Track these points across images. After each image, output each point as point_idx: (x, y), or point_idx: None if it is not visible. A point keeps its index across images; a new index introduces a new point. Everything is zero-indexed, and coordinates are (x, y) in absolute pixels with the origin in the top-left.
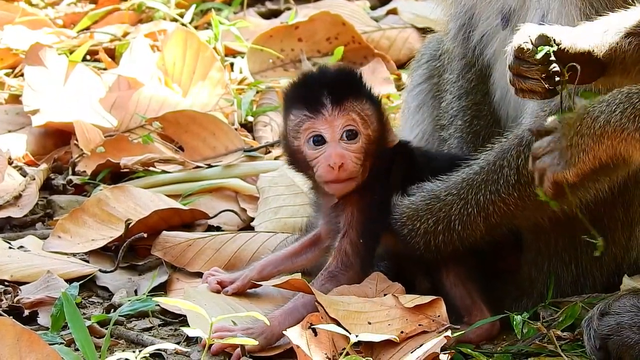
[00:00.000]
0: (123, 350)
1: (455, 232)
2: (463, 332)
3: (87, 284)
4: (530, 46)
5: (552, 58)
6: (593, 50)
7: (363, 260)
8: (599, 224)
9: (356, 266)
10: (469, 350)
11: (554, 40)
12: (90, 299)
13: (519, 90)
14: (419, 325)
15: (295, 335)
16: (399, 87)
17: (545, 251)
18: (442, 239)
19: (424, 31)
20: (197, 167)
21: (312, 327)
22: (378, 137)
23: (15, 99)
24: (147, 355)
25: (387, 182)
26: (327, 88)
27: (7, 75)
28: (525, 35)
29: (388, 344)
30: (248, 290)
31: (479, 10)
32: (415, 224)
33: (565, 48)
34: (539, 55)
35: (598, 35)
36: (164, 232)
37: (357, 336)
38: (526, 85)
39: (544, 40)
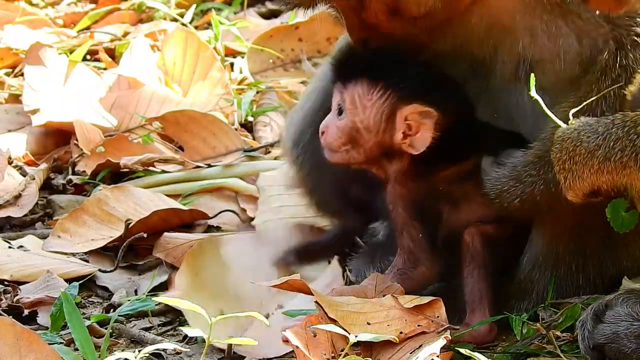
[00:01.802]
0: (123, 350)
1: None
2: (461, 333)
3: (87, 284)
4: None
5: None
6: None
7: (428, 253)
8: (606, 225)
9: (425, 261)
10: (468, 350)
11: None
12: (90, 299)
13: None
14: (418, 325)
15: (294, 336)
16: None
17: (550, 255)
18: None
19: None
20: (197, 167)
21: (311, 327)
22: (371, 132)
23: (15, 98)
24: (147, 355)
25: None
26: (349, 60)
27: (7, 75)
28: None
29: (387, 344)
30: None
31: None
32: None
33: None
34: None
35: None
36: (165, 234)
37: (356, 336)
38: None
39: None
